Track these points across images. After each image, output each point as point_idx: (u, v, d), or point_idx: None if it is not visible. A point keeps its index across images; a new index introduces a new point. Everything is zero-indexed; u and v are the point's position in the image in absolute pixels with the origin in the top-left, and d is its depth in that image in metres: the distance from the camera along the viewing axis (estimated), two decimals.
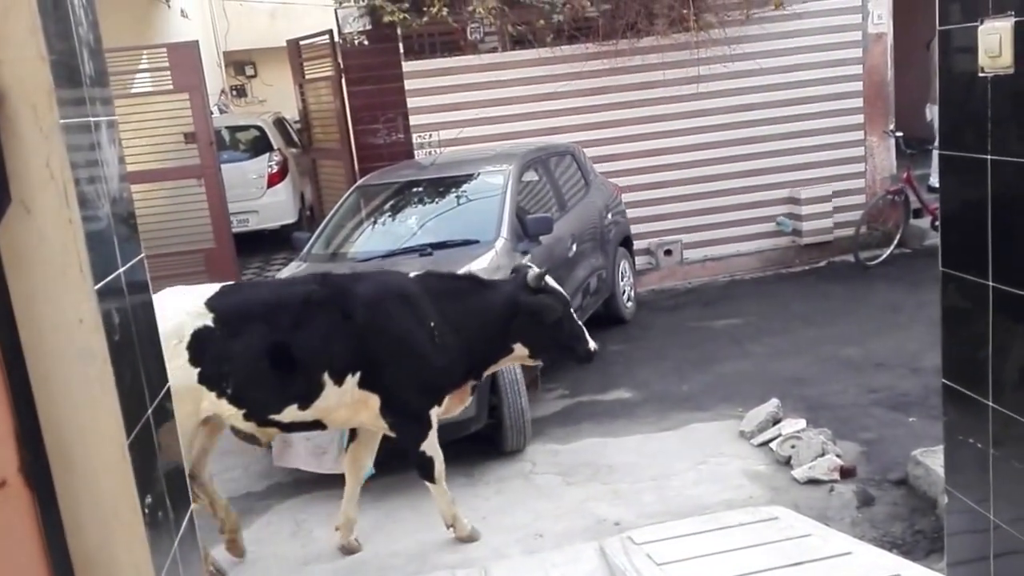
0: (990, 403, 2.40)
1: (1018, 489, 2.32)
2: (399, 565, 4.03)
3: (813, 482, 4.31)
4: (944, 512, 2.84)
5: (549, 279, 4.10)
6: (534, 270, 4.09)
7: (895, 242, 8.46)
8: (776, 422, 4.90)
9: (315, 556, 4.23)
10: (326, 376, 3.85)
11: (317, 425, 4.03)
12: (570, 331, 4.12)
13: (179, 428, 3.87)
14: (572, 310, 4.18)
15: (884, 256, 8.37)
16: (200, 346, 3.81)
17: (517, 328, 4.05)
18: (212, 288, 4.07)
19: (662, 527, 3.81)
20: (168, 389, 1.99)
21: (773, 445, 4.67)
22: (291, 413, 3.89)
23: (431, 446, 4.02)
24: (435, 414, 4.02)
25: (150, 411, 1.80)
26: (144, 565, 1.64)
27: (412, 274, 4.19)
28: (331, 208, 6.72)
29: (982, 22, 2.29)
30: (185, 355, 3.80)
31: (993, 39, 2.25)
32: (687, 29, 8.22)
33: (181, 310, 3.86)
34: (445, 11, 7.88)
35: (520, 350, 4.12)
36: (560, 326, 4.08)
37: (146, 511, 1.66)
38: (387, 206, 6.26)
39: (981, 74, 2.31)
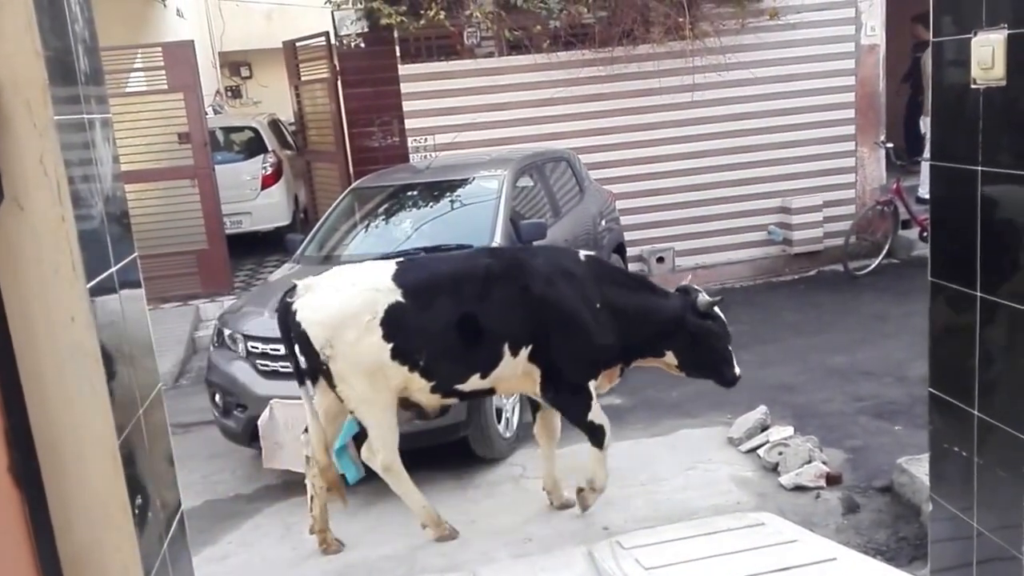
0: (975, 412, 2.42)
1: (1002, 497, 2.33)
2: (388, 568, 4.03)
3: (800, 488, 4.33)
4: (928, 519, 2.86)
5: (717, 307, 4.20)
6: (705, 296, 4.16)
7: (884, 252, 8.50)
8: (764, 429, 4.93)
9: (304, 559, 4.22)
10: (506, 347, 3.98)
11: (490, 392, 4.20)
12: (723, 356, 4.24)
13: (378, 402, 3.93)
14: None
15: (873, 266, 8.42)
16: (393, 321, 3.86)
17: (676, 341, 4.17)
18: (384, 264, 4.17)
19: (650, 532, 3.82)
20: (159, 390, 1.98)
21: (761, 452, 4.69)
22: (474, 382, 4.02)
23: (597, 414, 4.13)
24: (593, 387, 4.12)
25: (141, 411, 1.79)
26: (133, 566, 1.64)
27: (582, 254, 4.30)
28: (325, 211, 6.72)
29: (975, 34, 2.31)
30: (379, 331, 3.85)
31: (986, 51, 2.28)
32: (683, 37, 8.25)
33: (369, 286, 3.92)
34: (442, 15, 7.89)
35: (670, 358, 4.24)
36: (716, 351, 4.22)
37: (136, 512, 1.65)
38: (382, 209, 6.25)
39: (973, 86, 2.33)
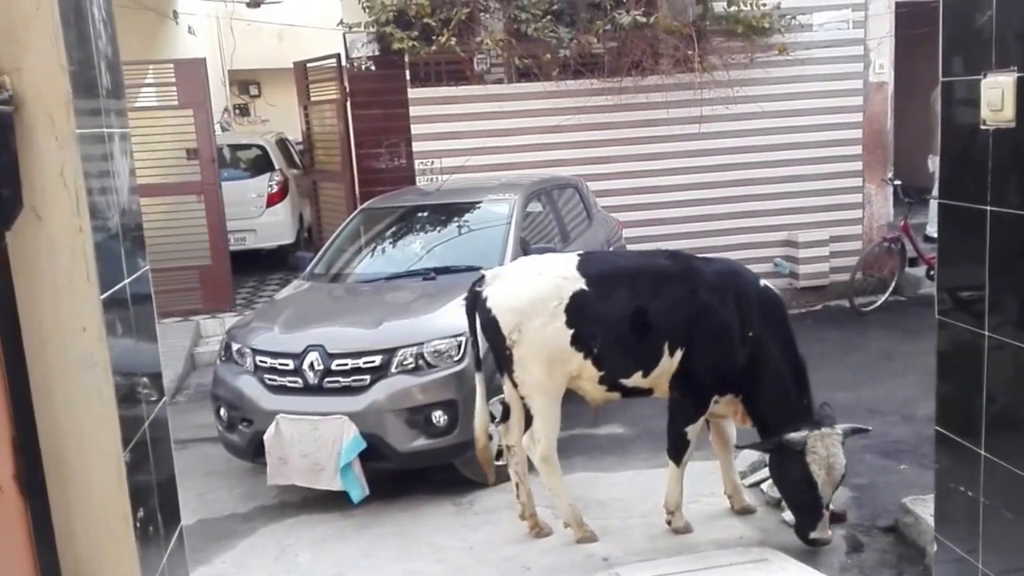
0: (982, 452, 2.40)
1: (1008, 539, 2.32)
2: None
3: None
4: (933, 561, 2.84)
5: (829, 450, 3.82)
6: (797, 436, 3.82)
7: (890, 289, 8.48)
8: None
9: None
10: (666, 346, 4.05)
11: (647, 392, 4.22)
12: (799, 501, 3.95)
13: (551, 389, 4.10)
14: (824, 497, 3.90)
15: (879, 303, 8.39)
16: (576, 308, 4.01)
17: (771, 445, 3.98)
18: (567, 255, 4.38)
19: (650, 564, 3.79)
20: (164, 403, 1.98)
21: (764, 486, 4.63)
22: (636, 379, 4.12)
23: (694, 431, 4.15)
24: (713, 402, 4.15)
25: (147, 424, 1.79)
26: None
27: (762, 283, 4.29)
28: (330, 230, 6.76)
29: (985, 76, 2.33)
30: (563, 317, 4.00)
31: (995, 93, 2.29)
32: (691, 70, 8.30)
33: (556, 274, 4.08)
34: (453, 41, 7.95)
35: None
36: (793, 490, 3.96)
37: (138, 525, 1.65)
38: (392, 229, 6.30)
39: (983, 127, 2.35)
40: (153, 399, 1.87)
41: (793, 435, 3.86)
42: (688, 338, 4.05)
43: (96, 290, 1.51)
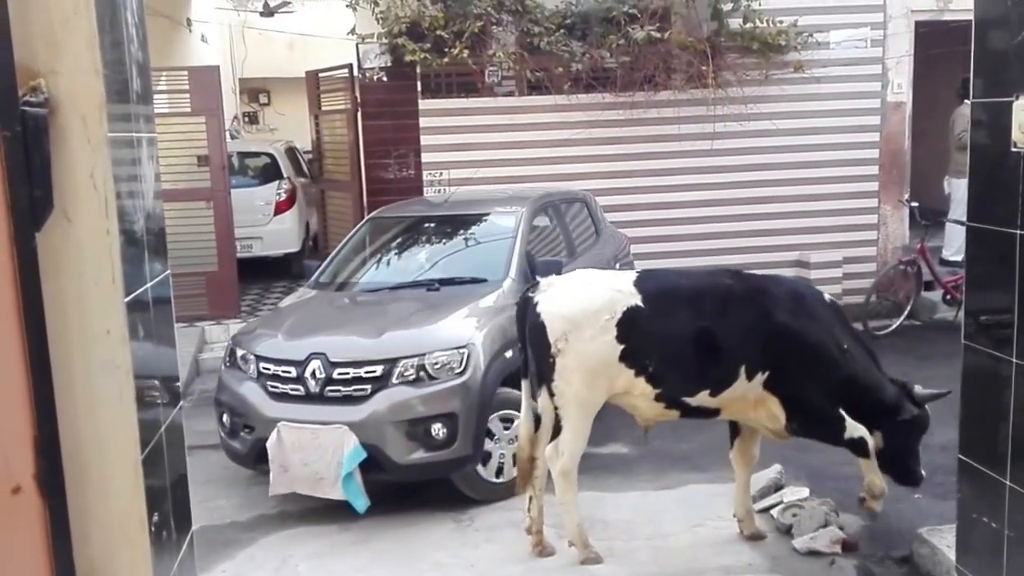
0: (1007, 482, 2.37)
1: None
2: None
3: (814, 553, 4.17)
4: None
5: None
6: (922, 388, 4.14)
7: (905, 313, 8.33)
8: (778, 489, 4.79)
9: None
10: (742, 369, 3.97)
11: (715, 413, 4.16)
12: (917, 452, 4.22)
13: (588, 403, 4.04)
14: None
15: (893, 327, 8.23)
16: (629, 323, 3.94)
17: (886, 425, 4.12)
18: (625, 271, 4.36)
19: None
20: (180, 408, 1.97)
21: (774, 512, 4.54)
22: (702, 398, 4.04)
23: (853, 429, 4.10)
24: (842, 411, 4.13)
25: (163, 428, 1.79)
26: None
27: (826, 296, 4.30)
28: (336, 239, 6.77)
29: (1017, 98, 2.30)
30: (614, 331, 3.93)
31: None
32: (705, 86, 8.29)
33: (611, 287, 4.06)
34: (466, 53, 7.97)
35: (877, 439, 4.15)
36: (915, 445, 4.20)
37: (152, 528, 1.65)
38: (398, 240, 6.30)
39: (1014, 149, 2.32)
40: (170, 403, 1.86)
41: (920, 389, 4.12)
42: (772, 362, 3.98)
43: (121, 293, 1.51)
